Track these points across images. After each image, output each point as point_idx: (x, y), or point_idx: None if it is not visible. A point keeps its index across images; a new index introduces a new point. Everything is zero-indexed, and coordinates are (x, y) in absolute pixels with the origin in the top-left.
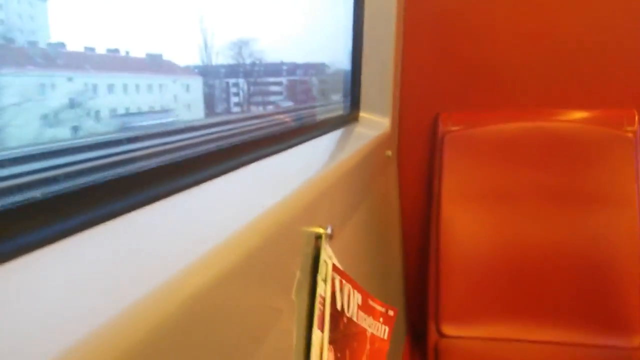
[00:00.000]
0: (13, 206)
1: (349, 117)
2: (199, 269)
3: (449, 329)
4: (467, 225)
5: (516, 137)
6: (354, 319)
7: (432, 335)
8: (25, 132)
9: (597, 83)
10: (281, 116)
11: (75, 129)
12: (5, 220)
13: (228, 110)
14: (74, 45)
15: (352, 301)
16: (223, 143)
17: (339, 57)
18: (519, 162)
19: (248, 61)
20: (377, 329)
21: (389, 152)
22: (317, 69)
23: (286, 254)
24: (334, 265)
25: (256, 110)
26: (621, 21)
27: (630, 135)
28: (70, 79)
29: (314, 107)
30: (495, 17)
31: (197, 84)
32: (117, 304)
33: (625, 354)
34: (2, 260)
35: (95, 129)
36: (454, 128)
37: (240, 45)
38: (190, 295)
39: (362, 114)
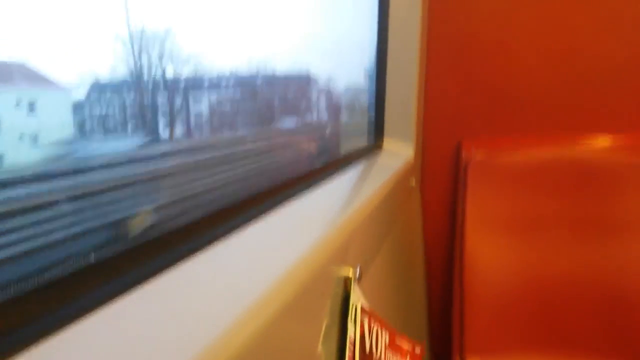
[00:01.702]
0: (57, 276)
1: (373, 146)
2: (239, 328)
3: None
4: (492, 256)
5: (541, 163)
6: (382, 358)
7: None
8: None
9: (623, 106)
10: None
11: None
12: (49, 294)
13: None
14: None
15: (380, 341)
16: (249, 189)
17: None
18: (544, 190)
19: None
20: None
21: (413, 182)
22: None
23: (318, 298)
24: (362, 307)
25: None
26: None
27: None
28: None
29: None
30: (518, 42)
31: (58, 102)
32: None
33: None
34: (51, 332)
35: None
36: (477, 155)
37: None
38: (233, 350)
39: (386, 143)
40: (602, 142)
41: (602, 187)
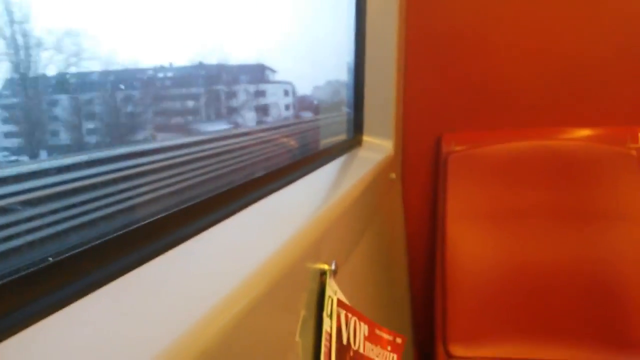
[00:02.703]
0: (22, 272)
1: (353, 141)
2: (209, 322)
3: (456, 350)
4: (473, 245)
5: (520, 156)
6: (361, 350)
7: (440, 356)
8: None
9: (600, 101)
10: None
11: None
12: (13, 289)
13: None
14: None
15: (358, 333)
16: (226, 184)
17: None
18: (523, 181)
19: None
20: (385, 357)
21: (393, 175)
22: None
23: (292, 292)
24: (339, 300)
25: None
26: (623, 39)
27: (634, 152)
28: None
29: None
30: (497, 37)
31: None
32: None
33: None
34: (17, 329)
35: None
36: (457, 148)
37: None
38: (201, 349)
39: (366, 138)
40: (578, 134)
41: (580, 178)
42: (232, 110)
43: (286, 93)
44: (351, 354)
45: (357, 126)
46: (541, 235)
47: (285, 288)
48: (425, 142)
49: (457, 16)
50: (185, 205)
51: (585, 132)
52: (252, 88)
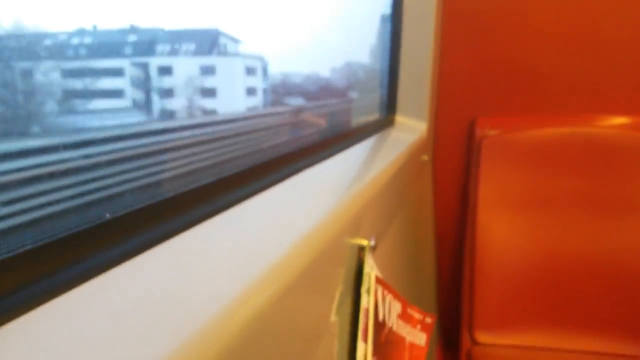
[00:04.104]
0: (70, 233)
1: (385, 121)
2: (254, 292)
3: (482, 337)
4: (503, 233)
5: (555, 143)
6: (394, 328)
7: (465, 343)
8: None
9: (638, 87)
10: None
11: None
12: (73, 243)
13: None
14: None
15: (392, 311)
16: (262, 157)
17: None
18: (558, 169)
19: None
20: (415, 336)
21: (425, 157)
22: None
23: (332, 267)
24: (376, 276)
25: None
26: None
27: None
28: None
29: None
30: (535, 19)
31: None
32: (179, 331)
33: None
34: (70, 286)
35: None
36: (491, 133)
37: None
38: (246, 319)
39: (398, 118)
40: (616, 122)
41: (615, 167)
42: (150, 96)
43: (250, 71)
44: (385, 331)
45: (390, 106)
46: (573, 224)
47: (326, 263)
48: (458, 125)
49: None
50: (223, 176)
51: (622, 120)
52: (187, 63)
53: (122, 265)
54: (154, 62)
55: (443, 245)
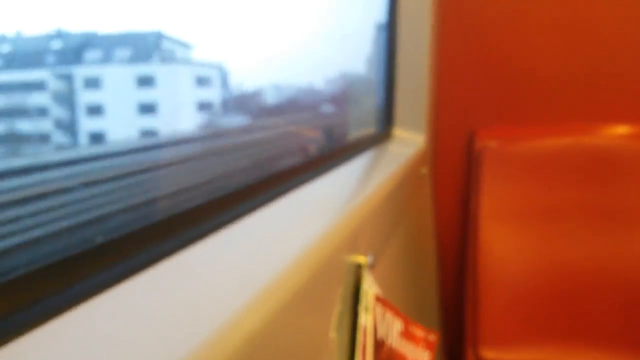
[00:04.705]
0: (68, 253)
1: (383, 134)
2: (249, 313)
3: (487, 353)
4: (506, 245)
5: (556, 153)
6: (395, 346)
7: (470, 359)
8: None
9: (639, 96)
10: None
11: None
12: (59, 269)
13: None
14: None
15: (393, 329)
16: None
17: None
18: (559, 179)
19: None
20: (418, 354)
21: (424, 170)
22: None
23: (329, 285)
24: (375, 294)
25: None
26: None
27: None
28: None
29: None
30: (534, 29)
31: None
32: (172, 354)
33: None
34: (57, 313)
35: None
36: (491, 144)
37: None
38: (241, 339)
39: (396, 131)
40: (618, 131)
41: (618, 177)
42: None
43: (202, 82)
44: (385, 350)
45: (387, 119)
46: (578, 236)
47: (322, 281)
48: (457, 137)
49: (491, 7)
50: (217, 195)
51: (625, 129)
52: (121, 72)
53: (112, 289)
54: (78, 73)
55: (445, 259)
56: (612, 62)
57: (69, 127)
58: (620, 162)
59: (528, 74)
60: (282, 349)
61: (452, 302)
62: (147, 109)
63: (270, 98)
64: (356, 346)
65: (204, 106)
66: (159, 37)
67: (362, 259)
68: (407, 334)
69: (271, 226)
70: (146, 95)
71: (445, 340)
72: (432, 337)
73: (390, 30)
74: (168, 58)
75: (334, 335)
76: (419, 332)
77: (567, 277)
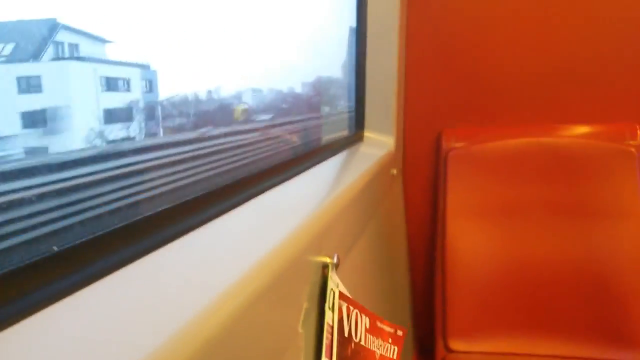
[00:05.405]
0: (22, 263)
1: (354, 137)
2: (211, 313)
3: (456, 345)
4: (473, 241)
5: (519, 152)
6: (362, 342)
7: (440, 351)
8: None
9: (599, 98)
10: None
11: None
12: (17, 278)
13: None
14: None
15: (359, 325)
16: (227, 178)
17: None
18: (523, 178)
19: None
20: (386, 349)
21: (394, 171)
22: None
23: (295, 285)
24: (340, 293)
25: None
26: (622, 36)
27: (632, 149)
28: None
29: None
30: (497, 34)
31: None
32: (134, 353)
33: None
34: (19, 318)
35: None
36: (457, 144)
37: None
38: (209, 334)
39: (367, 134)
40: (577, 131)
41: (579, 175)
42: None
43: (113, 85)
44: (352, 346)
45: (358, 122)
46: (540, 232)
47: (288, 280)
48: (426, 138)
49: (457, 13)
50: (186, 199)
51: (584, 129)
52: None
53: (73, 295)
54: None
55: (416, 256)
56: (572, 65)
57: None
58: (579, 161)
59: (492, 77)
60: (250, 344)
61: (423, 297)
62: (28, 118)
63: (210, 104)
64: (323, 343)
65: (113, 114)
66: (53, 27)
67: (328, 259)
68: (374, 330)
69: (241, 227)
70: (26, 102)
71: (417, 333)
72: (400, 333)
73: (359, 35)
74: (69, 55)
75: (301, 333)
76: (387, 328)
77: (530, 271)
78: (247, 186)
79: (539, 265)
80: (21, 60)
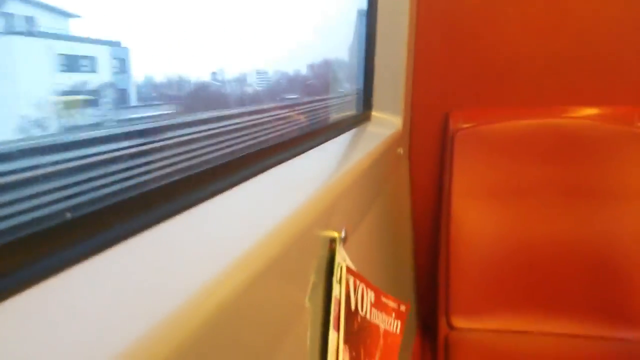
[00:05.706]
0: (33, 231)
1: (362, 116)
2: (221, 283)
3: (459, 322)
4: (477, 221)
5: (526, 134)
6: (367, 316)
7: (443, 328)
8: None
9: (607, 80)
10: None
11: None
12: (27, 245)
13: None
14: None
15: (365, 300)
16: (238, 152)
17: None
18: (529, 159)
19: None
20: (389, 324)
21: (401, 150)
22: None
23: (302, 259)
24: (347, 267)
25: None
26: (632, 18)
27: None
28: None
29: None
30: (507, 14)
31: None
32: (144, 322)
33: (635, 347)
34: (34, 281)
35: None
36: (464, 125)
37: None
38: (213, 310)
39: (375, 114)
40: (586, 113)
41: (585, 157)
42: None
43: (74, 65)
44: (358, 319)
45: (366, 102)
46: (545, 212)
47: (296, 253)
48: (433, 119)
49: None
50: (196, 171)
51: (592, 111)
52: None
53: (88, 260)
54: None
55: (420, 234)
56: (580, 47)
57: None
58: (586, 142)
59: (500, 58)
60: (258, 316)
61: (427, 274)
62: None
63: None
64: (330, 316)
65: (101, 96)
66: None
67: (335, 233)
68: (379, 305)
69: (250, 201)
70: None
71: (420, 309)
72: (403, 308)
73: (369, 16)
74: (20, 30)
75: (308, 306)
76: (391, 303)
77: (534, 250)
78: (257, 160)
79: (543, 244)
80: None
